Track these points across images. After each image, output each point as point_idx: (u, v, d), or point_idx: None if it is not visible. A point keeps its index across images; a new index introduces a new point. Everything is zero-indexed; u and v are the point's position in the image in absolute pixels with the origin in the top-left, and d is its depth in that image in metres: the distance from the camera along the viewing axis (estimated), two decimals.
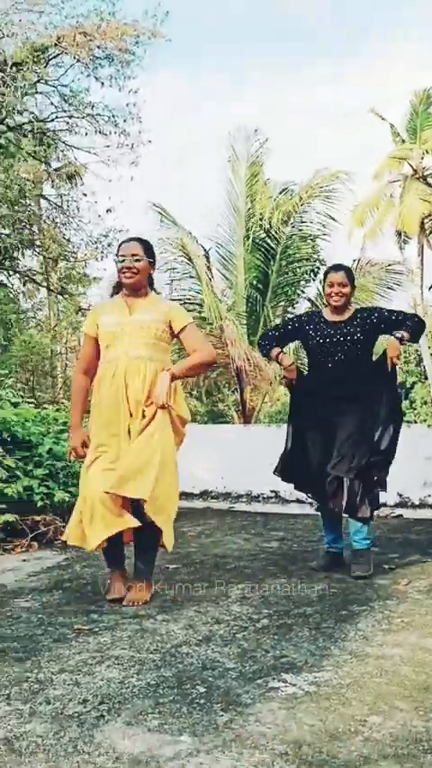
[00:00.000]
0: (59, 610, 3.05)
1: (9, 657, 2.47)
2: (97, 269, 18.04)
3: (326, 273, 3.76)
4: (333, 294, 3.65)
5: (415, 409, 24.69)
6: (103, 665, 2.38)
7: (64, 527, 4.51)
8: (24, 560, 4.07)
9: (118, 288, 3.33)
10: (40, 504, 4.43)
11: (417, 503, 5.55)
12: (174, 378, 3.12)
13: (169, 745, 1.80)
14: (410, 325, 3.61)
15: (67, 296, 19.31)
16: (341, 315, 3.70)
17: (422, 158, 25.32)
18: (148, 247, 3.25)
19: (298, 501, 5.83)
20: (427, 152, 25.25)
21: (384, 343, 3.69)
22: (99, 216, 16.27)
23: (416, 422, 23.95)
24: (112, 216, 19.87)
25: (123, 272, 3.18)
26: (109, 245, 16.67)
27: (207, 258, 13.60)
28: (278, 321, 13.62)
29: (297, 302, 14.35)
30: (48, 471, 4.61)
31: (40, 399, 15.23)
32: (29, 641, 2.64)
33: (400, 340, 3.53)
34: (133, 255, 3.17)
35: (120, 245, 3.27)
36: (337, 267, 3.74)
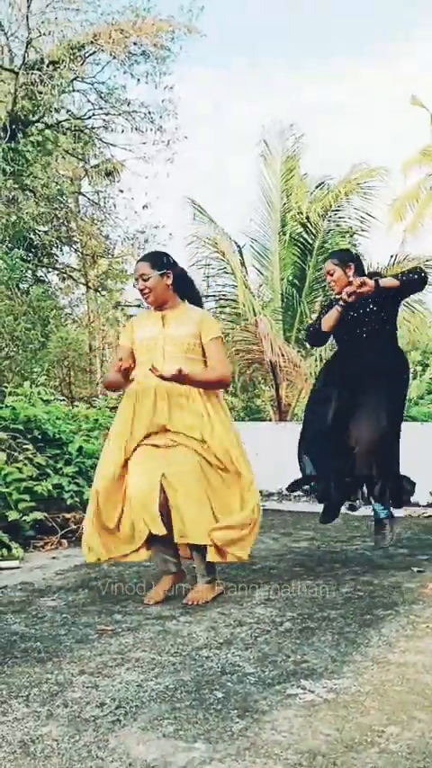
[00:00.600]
0: (84, 609, 3.07)
1: (31, 658, 2.49)
2: (134, 265, 18.11)
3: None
4: (332, 284, 3.68)
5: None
6: (123, 667, 2.39)
7: None
8: (54, 558, 4.11)
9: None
10: (69, 501, 4.47)
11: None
12: (180, 376, 2.98)
13: (183, 752, 1.79)
14: (405, 273, 3.59)
15: (105, 292, 19.49)
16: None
17: None
18: (155, 261, 3.22)
19: None
20: None
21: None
22: (135, 212, 16.39)
23: None
24: (148, 212, 19.98)
25: (142, 295, 3.22)
26: (146, 242, 16.79)
27: (240, 254, 13.56)
28: (314, 317, 13.54)
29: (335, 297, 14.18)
30: (78, 469, 4.64)
31: (77, 395, 15.43)
32: (52, 641, 2.66)
33: (376, 281, 3.45)
34: (141, 276, 3.18)
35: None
36: (332, 254, 3.74)
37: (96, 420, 5.31)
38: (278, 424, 6.75)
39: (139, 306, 17.74)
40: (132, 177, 22.75)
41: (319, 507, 5.74)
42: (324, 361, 3.91)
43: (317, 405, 3.78)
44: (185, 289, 3.30)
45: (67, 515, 4.52)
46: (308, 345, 4.21)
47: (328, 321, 3.65)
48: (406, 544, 4.25)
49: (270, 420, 13.79)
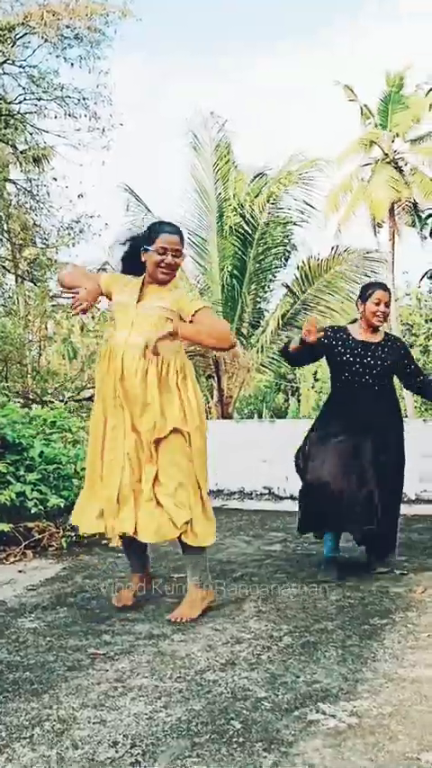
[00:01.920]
0: (68, 631, 2.90)
1: (24, 691, 2.31)
2: (68, 255, 17.68)
3: (367, 289, 3.59)
4: (379, 313, 3.51)
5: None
6: (127, 697, 2.24)
7: (58, 533, 4.37)
8: (20, 571, 3.90)
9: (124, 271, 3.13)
10: (33, 510, 4.26)
11: (413, 498, 5.49)
12: (176, 334, 2.78)
13: None
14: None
15: (37, 283, 18.95)
16: (374, 336, 3.58)
17: (393, 141, 25.27)
18: (183, 239, 3.00)
19: (292, 498, 5.73)
20: (397, 135, 25.21)
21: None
22: (70, 201, 16.03)
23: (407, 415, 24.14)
24: (83, 201, 19.51)
25: (161, 268, 2.93)
26: (81, 231, 16.40)
27: None
28: (250, 308, 13.52)
29: (272, 289, 14.24)
30: (40, 475, 4.43)
31: (11, 390, 14.94)
32: (41, 670, 2.49)
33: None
34: (176, 251, 2.93)
35: (158, 232, 2.94)
36: (383, 285, 3.60)
37: (54, 422, 5.09)
38: (237, 423, 6.67)
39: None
40: (67, 165, 22.20)
41: (282, 506, 5.72)
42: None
43: (334, 451, 3.49)
44: None
45: (31, 525, 4.31)
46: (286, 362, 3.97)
47: (292, 348, 3.56)
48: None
49: (211, 413, 13.72)
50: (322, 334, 3.46)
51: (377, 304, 3.51)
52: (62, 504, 4.36)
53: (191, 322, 2.90)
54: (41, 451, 4.55)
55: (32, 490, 4.31)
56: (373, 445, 3.48)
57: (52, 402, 6.75)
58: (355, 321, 3.71)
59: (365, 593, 3.30)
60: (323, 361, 3.64)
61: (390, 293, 3.59)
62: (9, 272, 17.88)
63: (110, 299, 3.05)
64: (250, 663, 2.49)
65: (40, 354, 17.59)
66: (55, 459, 4.63)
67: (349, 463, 3.41)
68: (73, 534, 4.38)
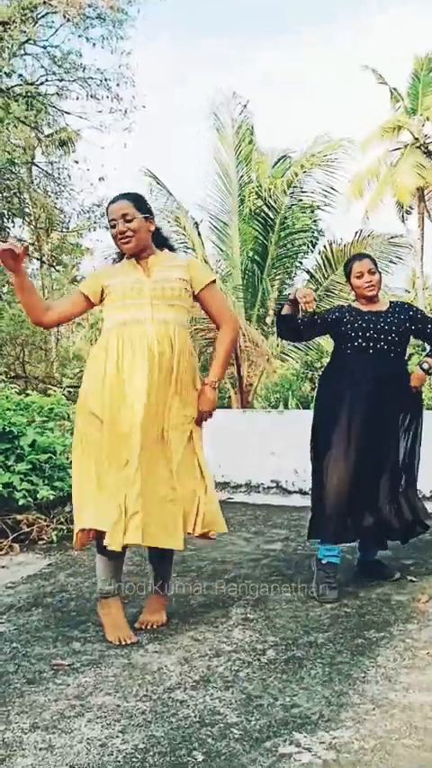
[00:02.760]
0: (37, 636, 2.69)
1: None
2: (90, 240, 17.53)
3: (348, 265, 3.39)
4: (365, 285, 3.28)
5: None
6: (84, 718, 2.03)
7: (48, 526, 4.17)
8: (3, 566, 3.71)
9: (120, 257, 2.87)
10: (22, 501, 4.07)
11: (428, 495, 5.20)
12: (217, 385, 2.78)
13: None
14: None
15: (60, 267, 18.82)
16: (378, 305, 3.35)
17: (423, 125, 24.63)
18: (138, 201, 2.76)
19: (300, 492, 5.49)
20: (428, 119, 24.55)
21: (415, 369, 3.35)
22: (91, 184, 15.82)
23: None
24: (105, 184, 19.33)
25: (119, 239, 2.72)
26: (102, 216, 16.18)
27: (197, 228, 13.10)
28: (275, 295, 13.23)
29: (295, 275, 13.91)
30: (31, 465, 4.23)
31: (31, 374, 14.86)
32: None
33: (426, 372, 3.30)
34: (124, 216, 2.70)
35: (107, 208, 2.78)
36: (360, 256, 3.39)
37: (51, 409, 4.89)
38: (244, 413, 6.41)
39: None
40: (88, 148, 21.99)
41: (289, 500, 5.47)
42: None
43: (337, 440, 3.21)
44: (163, 243, 2.89)
45: (19, 517, 4.12)
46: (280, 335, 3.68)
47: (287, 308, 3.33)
48: (389, 545, 3.95)
49: (231, 401, 13.48)
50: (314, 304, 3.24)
51: (359, 277, 3.32)
52: (52, 496, 4.16)
53: (198, 295, 2.79)
54: (34, 440, 4.35)
55: (22, 481, 4.11)
56: (388, 421, 3.27)
57: (51, 381, 6.55)
58: (355, 300, 3.48)
59: (364, 600, 3.04)
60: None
61: (371, 259, 3.37)
62: (31, 257, 17.73)
63: (102, 299, 2.79)
64: (226, 680, 2.26)
65: (58, 340, 17.46)
66: (48, 449, 4.42)
67: (367, 463, 3.18)
68: (64, 528, 4.18)
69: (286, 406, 26.98)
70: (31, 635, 2.71)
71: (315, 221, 13.74)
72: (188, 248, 12.67)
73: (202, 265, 2.86)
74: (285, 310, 3.36)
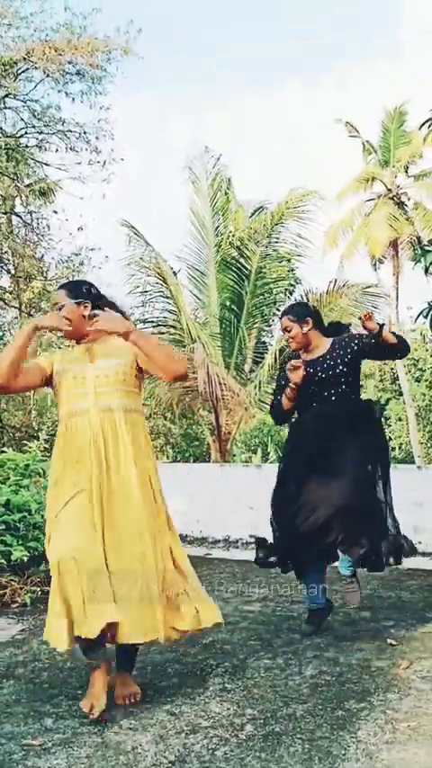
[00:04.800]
0: (8, 712, 2.60)
1: None
2: None
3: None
4: (289, 340, 3.45)
5: (390, 426, 24.50)
6: None
7: (22, 589, 4.08)
8: None
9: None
10: None
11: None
12: (127, 335, 2.66)
13: None
14: (397, 335, 3.39)
15: (38, 314, 18.80)
16: (313, 352, 3.41)
17: (395, 177, 25.29)
18: (72, 288, 2.84)
19: None
20: (399, 171, 25.23)
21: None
22: (70, 234, 15.85)
23: (391, 438, 23.77)
24: (83, 234, 19.49)
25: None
26: (81, 264, 16.28)
27: (175, 276, 13.27)
28: (252, 343, 13.34)
29: (274, 323, 14.07)
30: (4, 525, 4.15)
31: (8, 423, 14.68)
32: None
33: (380, 326, 3.25)
34: (55, 305, 2.82)
35: None
36: (282, 312, 3.50)
37: (27, 466, 4.82)
38: (221, 467, 6.38)
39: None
40: (67, 198, 22.23)
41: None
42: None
43: (286, 479, 3.42)
44: (106, 304, 2.90)
45: None
46: (272, 416, 3.73)
47: (287, 398, 3.42)
48: (366, 604, 3.91)
49: (210, 449, 13.43)
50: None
51: (283, 332, 3.47)
52: (26, 558, 4.07)
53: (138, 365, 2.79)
54: (8, 499, 4.28)
55: None
56: (342, 453, 3.28)
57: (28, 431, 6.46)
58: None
59: (344, 667, 2.98)
60: None
61: (289, 315, 3.44)
62: (8, 305, 17.74)
63: (53, 380, 2.81)
64: (202, 760, 2.19)
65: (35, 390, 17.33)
66: (23, 507, 4.35)
67: (322, 486, 3.24)
68: (39, 590, 4.08)
69: (266, 452, 26.73)
70: (0, 710, 2.61)
71: (291, 270, 13.97)
72: (166, 297, 12.78)
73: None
74: (286, 404, 3.41)
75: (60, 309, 2.78)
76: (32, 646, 3.37)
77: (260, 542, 3.53)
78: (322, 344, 3.43)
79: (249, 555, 5.49)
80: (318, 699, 2.64)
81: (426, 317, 5.94)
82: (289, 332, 3.39)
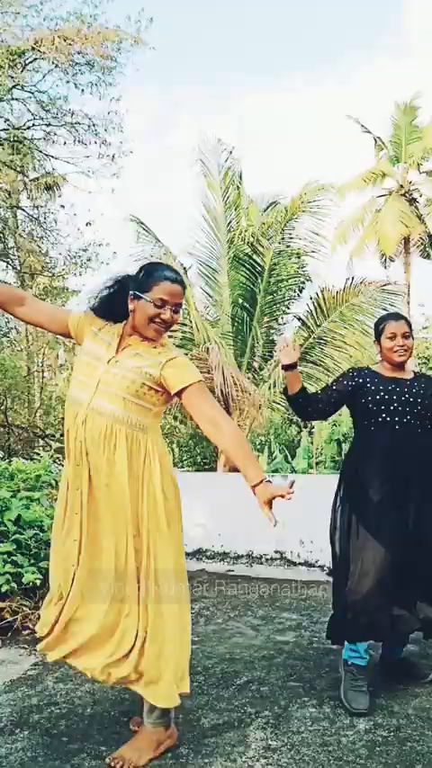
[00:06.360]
0: None
1: None
2: (76, 284, 17.24)
3: (378, 325, 3.05)
4: (396, 348, 2.95)
5: None
6: None
7: (33, 613, 3.76)
8: None
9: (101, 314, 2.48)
10: (5, 588, 3.64)
11: None
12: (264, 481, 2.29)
13: None
14: None
15: None
16: (402, 372, 3.01)
17: (407, 173, 24.91)
18: (185, 288, 2.42)
19: (306, 564, 5.09)
20: (411, 166, 24.85)
21: None
22: (78, 229, 15.52)
23: None
24: (91, 229, 19.17)
25: (155, 323, 2.34)
26: (89, 260, 15.96)
27: (186, 273, 12.93)
28: (264, 340, 12.97)
29: (285, 322, 13.73)
30: (15, 545, 3.81)
31: (12, 422, 14.37)
32: None
33: None
34: (176, 305, 2.35)
35: (157, 279, 2.34)
36: (396, 316, 3.04)
37: (39, 476, 4.48)
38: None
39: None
40: (75, 193, 21.91)
41: (295, 573, 5.07)
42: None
43: (372, 526, 2.85)
44: None
45: (1, 605, 3.69)
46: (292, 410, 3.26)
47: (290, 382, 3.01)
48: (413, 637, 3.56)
49: (218, 455, 13.11)
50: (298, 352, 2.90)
51: (392, 338, 2.97)
52: (39, 581, 3.73)
53: (178, 397, 2.33)
54: (19, 515, 3.94)
55: (5, 563, 3.69)
56: (420, 508, 2.88)
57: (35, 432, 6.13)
58: (379, 363, 3.15)
59: (401, 718, 2.64)
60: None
61: (406, 321, 3.04)
62: None
63: (78, 342, 2.47)
64: None
65: (42, 385, 17.05)
66: (35, 523, 4.01)
67: (398, 551, 2.79)
68: None
69: (271, 451, 26.34)
70: None
71: (302, 267, 13.63)
72: None
73: (183, 364, 2.36)
74: (290, 387, 3.03)
75: (177, 313, 2.36)
76: (47, 684, 3.03)
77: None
78: (407, 368, 3.07)
79: (274, 572, 5.17)
80: (378, 763, 2.30)
81: None
82: (406, 338, 2.98)
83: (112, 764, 2.29)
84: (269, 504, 2.29)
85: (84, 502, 2.32)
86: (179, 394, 2.32)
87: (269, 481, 2.30)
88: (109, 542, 2.30)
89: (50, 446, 5.24)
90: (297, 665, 3.23)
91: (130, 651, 2.27)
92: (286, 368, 2.97)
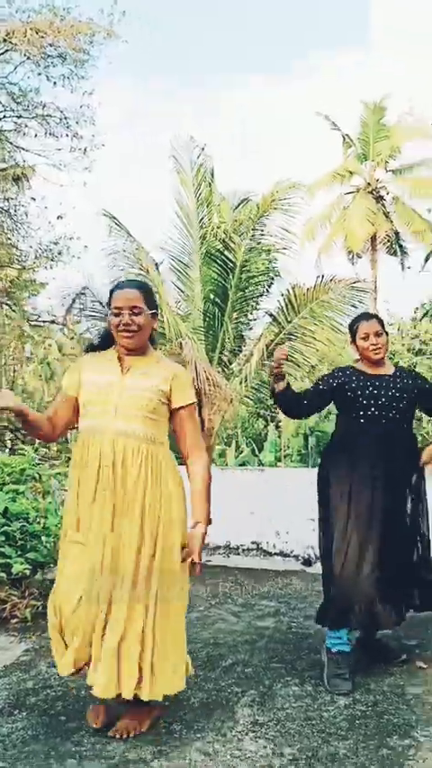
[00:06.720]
0: (26, 750, 2.40)
1: None
2: (46, 277, 17.20)
3: (354, 325, 3.23)
4: (370, 347, 3.13)
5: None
6: None
7: (21, 602, 3.88)
8: None
9: (95, 347, 2.65)
10: None
11: None
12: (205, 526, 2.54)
13: None
14: None
15: (13, 302, 18.41)
16: (383, 368, 3.20)
17: (374, 171, 25.23)
18: (149, 294, 2.55)
19: (282, 554, 5.28)
20: (378, 164, 25.18)
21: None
22: (50, 222, 15.49)
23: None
24: (62, 222, 19.11)
25: (120, 330, 2.48)
26: (59, 253, 15.94)
27: (157, 268, 12.96)
28: (234, 336, 13.12)
29: (256, 318, 13.87)
30: (3, 537, 3.92)
31: None
32: None
33: None
34: (132, 308, 2.47)
35: (113, 292, 2.52)
36: (367, 316, 3.25)
37: (23, 470, 4.59)
38: (222, 471, 6.20)
39: (53, 322, 16.81)
40: (46, 185, 21.78)
41: (271, 563, 5.25)
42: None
43: (351, 511, 3.03)
44: (153, 341, 2.67)
45: None
46: (280, 410, 3.44)
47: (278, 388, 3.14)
48: None
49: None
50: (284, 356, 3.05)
51: (365, 338, 3.16)
52: (28, 571, 3.85)
53: (172, 412, 2.54)
54: (6, 508, 4.05)
55: None
56: (400, 498, 3.12)
57: (21, 447, 6.22)
58: (357, 361, 3.32)
59: (378, 695, 2.83)
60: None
61: (377, 319, 3.24)
62: None
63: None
64: None
65: (14, 379, 17.02)
66: (21, 515, 4.12)
67: (382, 541, 3.00)
68: (39, 604, 3.87)
69: (239, 444, 26.55)
70: (18, 750, 2.41)
71: (270, 262, 13.77)
72: None
73: (187, 382, 2.58)
74: (278, 386, 3.18)
75: (138, 315, 2.47)
76: (41, 669, 3.16)
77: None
78: (388, 363, 3.26)
79: (251, 562, 5.35)
80: (358, 734, 2.49)
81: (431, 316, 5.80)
82: (380, 336, 3.16)
83: (117, 736, 2.44)
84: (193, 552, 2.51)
85: (110, 521, 2.42)
86: (178, 409, 2.52)
87: (203, 531, 2.53)
88: (129, 555, 2.41)
89: (20, 440, 5.34)
90: (278, 648, 3.41)
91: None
92: (280, 378, 3.11)
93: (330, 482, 3.14)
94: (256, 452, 24.07)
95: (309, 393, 3.22)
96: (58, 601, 2.49)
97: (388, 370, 3.21)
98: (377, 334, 3.15)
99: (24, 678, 3.06)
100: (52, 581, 4.22)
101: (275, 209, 13.58)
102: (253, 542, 5.38)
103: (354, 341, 3.24)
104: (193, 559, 2.50)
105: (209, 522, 2.60)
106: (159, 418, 2.51)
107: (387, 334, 3.22)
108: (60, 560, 2.59)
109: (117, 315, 2.47)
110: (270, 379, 3.23)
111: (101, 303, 2.48)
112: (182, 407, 2.54)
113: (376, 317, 3.25)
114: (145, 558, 2.42)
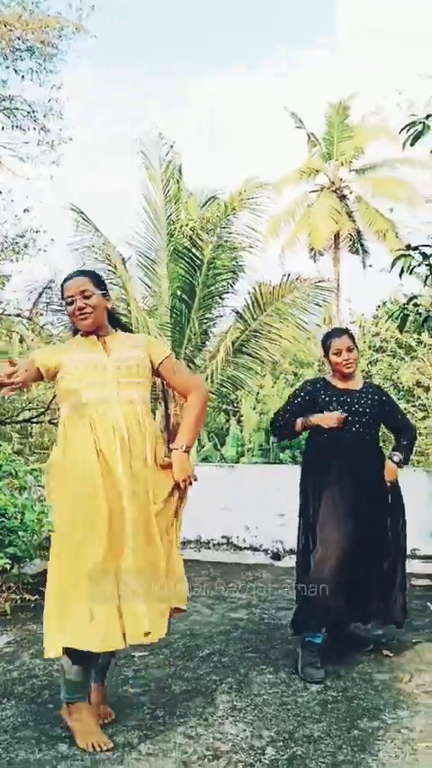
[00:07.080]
0: (17, 736, 2.52)
1: None
2: (11, 270, 17.06)
3: (326, 341, 3.42)
4: (342, 362, 3.32)
5: None
6: None
7: (1, 595, 3.97)
8: None
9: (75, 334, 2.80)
10: None
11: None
12: (188, 450, 2.69)
13: None
14: (406, 444, 3.50)
15: None
16: (353, 383, 3.39)
17: (338, 170, 25.58)
18: (97, 279, 2.72)
19: (251, 548, 5.45)
20: (342, 164, 25.53)
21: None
22: (16, 215, 15.38)
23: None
24: (29, 216, 18.98)
25: (76, 315, 2.65)
26: (25, 246, 15.82)
27: (123, 264, 13.03)
28: (200, 332, 13.26)
29: (221, 315, 14.02)
30: None
31: None
32: None
33: (398, 464, 3.41)
34: (82, 293, 2.63)
35: (63, 286, 2.71)
36: (339, 332, 3.44)
37: (0, 466, 4.66)
38: (195, 465, 6.34)
39: (18, 315, 16.74)
40: (13, 179, 21.57)
41: (241, 557, 5.42)
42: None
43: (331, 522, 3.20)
44: (117, 324, 2.82)
45: None
46: (274, 435, 3.64)
47: (305, 426, 3.36)
48: None
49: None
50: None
51: (338, 354, 3.35)
52: (8, 566, 3.94)
53: (158, 370, 2.72)
54: None
55: None
56: (375, 504, 3.32)
57: None
58: (330, 373, 3.52)
59: (347, 681, 3.01)
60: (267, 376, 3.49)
61: (348, 335, 3.43)
62: None
63: (52, 377, 2.66)
64: None
65: None
66: (0, 511, 4.20)
67: (358, 542, 3.19)
68: (17, 597, 3.97)
69: (199, 439, 26.73)
70: (10, 735, 2.53)
71: (235, 259, 13.94)
72: (116, 285, 12.56)
73: (158, 341, 2.83)
74: (298, 426, 3.36)
75: (89, 298, 2.62)
76: (24, 660, 3.28)
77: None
78: (357, 377, 3.44)
79: (221, 556, 5.51)
80: (330, 718, 2.66)
81: (396, 319, 6.01)
82: (351, 352, 3.34)
83: (105, 721, 2.58)
84: (169, 466, 2.64)
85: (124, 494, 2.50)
86: (160, 365, 2.72)
87: (186, 452, 2.67)
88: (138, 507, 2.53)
89: (9, 436, 5.40)
90: (252, 639, 3.58)
91: None
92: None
93: (306, 492, 3.33)
94: (218, 447, 24.29)
95: (291, 415, 3.39)
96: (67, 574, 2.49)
97: (357, 384, 3.40)
98: (349, 350, 3.34)
99: (9, 669, 3.17)
100: (32, 575, 4.34)
101: (243, 207, 13.75)
102: (223, 537, 5.54)
103: (326, 355, 3.43)
104: (179, 480, 2.62)
105: (189, 449, 2.69)
106: (143, 380, 2.67)
107: (358, 348, 3.41)
108: (62, 542, 2.59)
109: (71, 303, 2.65)
110: (308, 423, 3.35)
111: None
112: (163, 360, 2.73)
113: (348, 332, 3.44)
114: (148, 505, 2.56)
